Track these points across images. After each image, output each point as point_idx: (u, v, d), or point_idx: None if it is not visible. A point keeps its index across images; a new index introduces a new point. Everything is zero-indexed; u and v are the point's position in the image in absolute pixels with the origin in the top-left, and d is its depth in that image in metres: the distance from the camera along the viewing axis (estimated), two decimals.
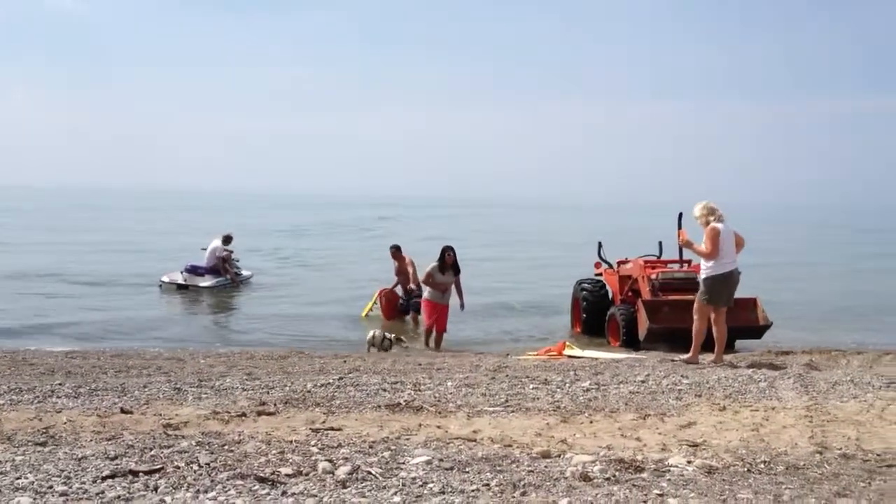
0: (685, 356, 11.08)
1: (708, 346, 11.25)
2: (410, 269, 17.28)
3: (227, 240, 22.69)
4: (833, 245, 52.62)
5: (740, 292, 14.16)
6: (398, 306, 17.69)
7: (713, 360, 10.84)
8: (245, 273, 23.66)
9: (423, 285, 14.32)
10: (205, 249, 22.91)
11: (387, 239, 30.18)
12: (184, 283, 21.92)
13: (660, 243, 15.70)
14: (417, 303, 16.57)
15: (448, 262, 13.82)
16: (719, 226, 10.74)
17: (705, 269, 10.93)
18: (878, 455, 5.76)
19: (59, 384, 8.30)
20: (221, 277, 22.25)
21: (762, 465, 5.40)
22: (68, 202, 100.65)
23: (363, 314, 18.16)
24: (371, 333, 13.84)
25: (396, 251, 17.77)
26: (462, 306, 14.11)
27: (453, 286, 14.05)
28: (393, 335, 13.86)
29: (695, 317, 11.10)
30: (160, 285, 22.26)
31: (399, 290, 17.70)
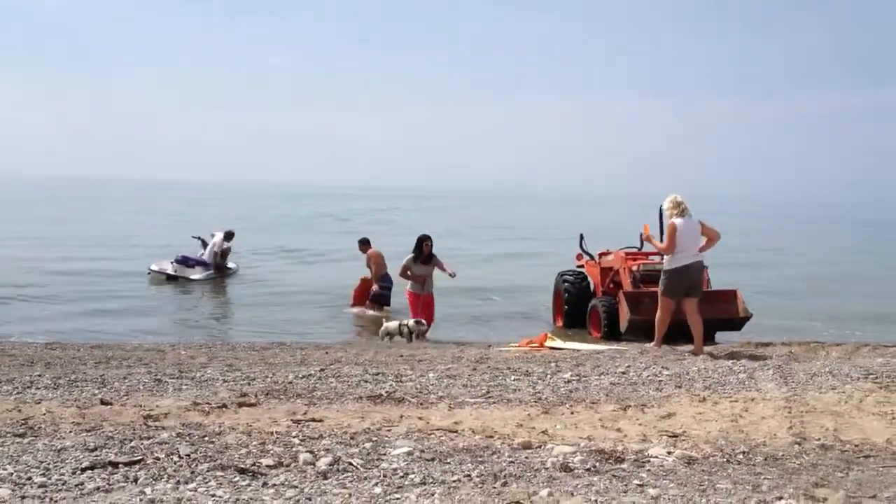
0: (651, 345, 11.59)
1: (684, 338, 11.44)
2: (372, 266, 17.34)
3: (229, 236, 22.51)
4: (816, 238, 53.00)
5: (720, 284, 14.26)
6: (370, 296, 17.75)
7: (693, 350, 11.00)
8: (231, 266, 23.46)
9: (402, 278, 14.16)
10: (196, 238, 22.81)
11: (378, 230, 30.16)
12: (173, 273, 21.64)
13: (641, 235, 15.75)
14: (378, 294, 17.15)
15: (426, 252, 13.77)
16: (678, 221, 11.15)
17: (664, 262, 11.49)
18: (855, 446, 5.81)
19: (39, 375, 8.24)
20: (210, 271, 22.03)
21: (741, 456, 5.44)
22: (47, 194, 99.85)
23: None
24: (386, 325, 13.65)
25: (362, 245, 17.87)
26: (453, 274, 13.98)
27: (434, 273, 14.03)
28: (410, 322, 13.48)
29: (658, 309, 11.58)
30: (148, 273, 22.03)
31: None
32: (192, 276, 21.57)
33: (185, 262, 21.88)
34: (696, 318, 11.26)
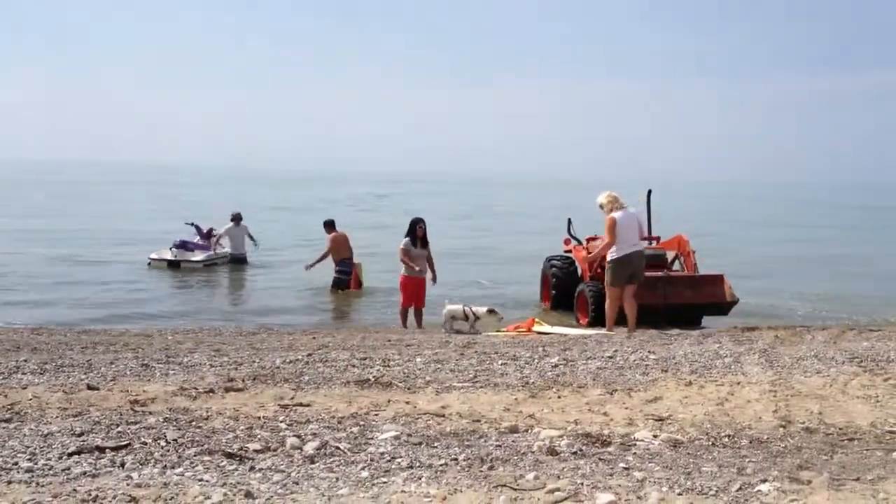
0: (604, 330, 12.16)
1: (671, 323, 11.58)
2: (328, 249, 18.01)
3: (237, 218, 22.12)
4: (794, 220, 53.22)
5: (706, 268, 14.35)
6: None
7: (627, 332, 11.62)
8: (224, 249, 22.92)
9: (401, 262, 13.74)
10: (190, 224, 22.66)
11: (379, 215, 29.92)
12: (174, 258, 21.40)
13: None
14: (335, 278, 17.92)
15: (419, 235, 13.58)
16: (617, 215, 11.84)
17: (608, 254, 12.12)
18: (839, 429, 5.85)
19: (25, 360, 8.20)
20: (211, 252, 21.79)
21: (726, 439, 5.48)
22: (31, 177, 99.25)
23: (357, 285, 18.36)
24: (449, 308, 12.89)
25: (327, 227, 18.42)
26: (434, 279, 13.86)
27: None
28: (481, 309, 12.78)
29: (607, 299, 12.18)
30: (149, 263, 21.69)
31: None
32: (194, 259, 21.33)
33: (184, 246, 21.65)
34: (632, 302, 12.05)
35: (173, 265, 21.33)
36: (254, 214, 28.09)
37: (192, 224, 22.87)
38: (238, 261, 22.05)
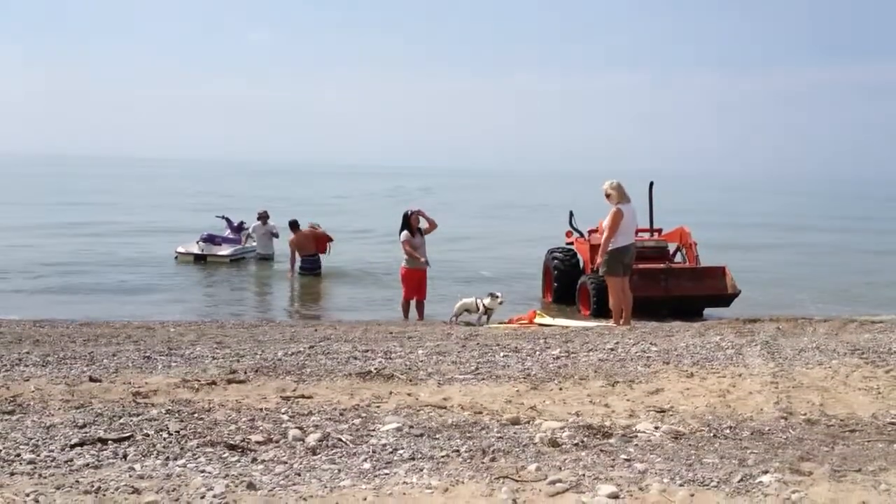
0: (611, 322, 12.15)
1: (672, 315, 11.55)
2: (291, 248, 19.40)
3: (263, 216, 22.03)
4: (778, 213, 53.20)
5: (708, 260, 14.35)
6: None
7: (622, 322, 11.78)
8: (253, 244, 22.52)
9: (405, 254, 13.66)
10: (221, 217, 22.84)
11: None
12: (200, 252, 21.31)
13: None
14: (300, 271, 19.31)
15: (414, 226, 13.57)
16: (623, 207, 11.85)
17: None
18: (841, 420, 5.85)
19: (27, 353, 8.22)
20: (239, 246, 21.77)
21: (728, 431, 5.47)
22: (37, 169, 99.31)
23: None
24: (463, 301, 13.10)
25: (291, 227, 19.49)
26: (427, 262, 13.81)
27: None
28: (486, 299, 12.97)
29: (609, 291, 12.27)
30: (176, 256, 21.62)
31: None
32: (221, 253, 21.26)
33: (211, 240, 21.59)
34: (628, 293, 12.07)
35: (199, 259, 21.26)
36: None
37: (223, 217, 22.87)
38: (265, 259, 21.94)
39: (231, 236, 22.17)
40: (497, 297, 12.96)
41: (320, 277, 19.31)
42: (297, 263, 19.21)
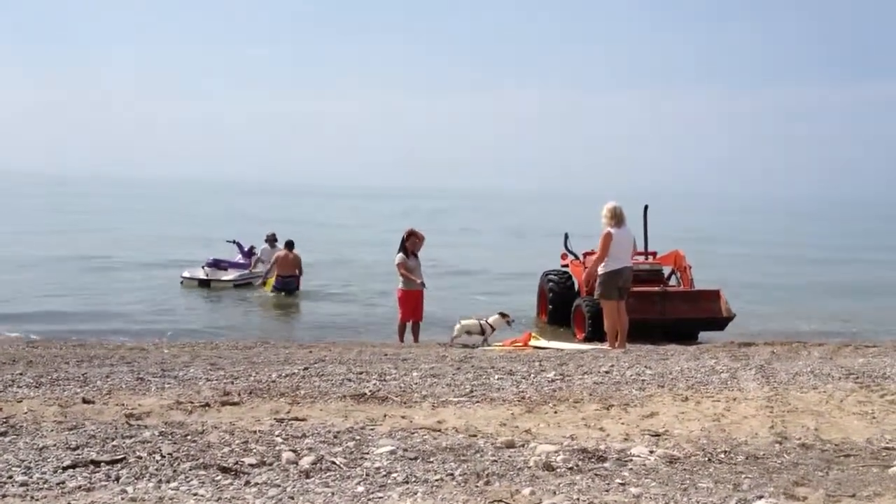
0: (606, 346, 12.12)
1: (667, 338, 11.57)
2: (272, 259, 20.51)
3: (271, 239, 22.09)
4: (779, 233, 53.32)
5: (703, 283, 14.38)
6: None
7: (617, 345, 11.77)
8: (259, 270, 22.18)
9: (400, 276, 13.61)
10: (232, 241, 22.90)
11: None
12: (205, 277, 21.18)
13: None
14: (275, 287, 20.00)
15: (409, 249, 13.54)
16: (614, 231, 11.86)
17: (599, 269, 12.08)
18: (836, 445, 5.85)
19: (20, 374, 8.18)
20: (245, 271, 21.67)
21: (723, 455, 5.47)
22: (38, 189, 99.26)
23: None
24: (464, 323, 12.91)
25: (285, 245, 20.23)
26: (423, 284, 13.68)
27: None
28: (491, 318, 12.90)
29: (604, 314, 12.22)
30: (181, 282, 21.45)
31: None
32: (225, 278, 21.19)
33: (216, 265, 21.53)
34: (624, 316, 12.04)
35: (204, 284, 21.13)
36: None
37: (234, 242, 22.84)
38: None
39: (242, 261, 22.12)
40: (507, 316, 13.00)
41: (295, 297, 19.99)
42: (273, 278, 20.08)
